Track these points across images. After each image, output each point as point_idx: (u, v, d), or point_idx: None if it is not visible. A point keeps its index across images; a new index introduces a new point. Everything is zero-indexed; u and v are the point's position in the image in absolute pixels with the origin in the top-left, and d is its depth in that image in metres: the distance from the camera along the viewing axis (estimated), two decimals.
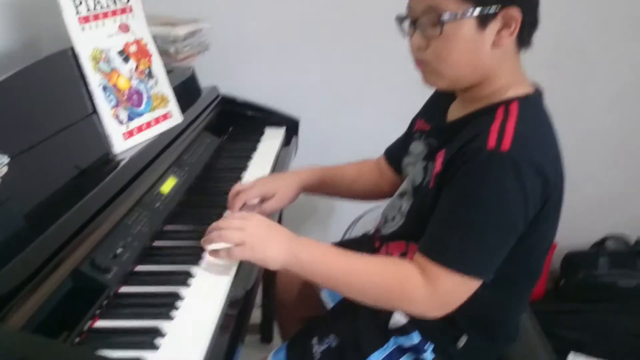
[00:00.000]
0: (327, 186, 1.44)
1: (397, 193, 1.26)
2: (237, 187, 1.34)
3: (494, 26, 1.00)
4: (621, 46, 2.11)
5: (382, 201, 2.09)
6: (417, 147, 1.24)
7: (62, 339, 0.86)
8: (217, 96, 1.88)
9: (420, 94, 2.09)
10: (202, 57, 1.95)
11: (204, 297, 1.02)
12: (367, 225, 2.18)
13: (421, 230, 1.08)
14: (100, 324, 0.94)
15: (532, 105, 1.06)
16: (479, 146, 0.98)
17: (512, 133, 0.97)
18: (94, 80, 1.28)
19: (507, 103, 1.04)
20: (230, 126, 1.92)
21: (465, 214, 0.99)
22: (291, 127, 1.95)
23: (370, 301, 1.09)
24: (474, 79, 1.07)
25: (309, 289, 1.48)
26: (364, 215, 2.19)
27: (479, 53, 1.03)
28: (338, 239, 1.65)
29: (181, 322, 0.96)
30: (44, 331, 0.86)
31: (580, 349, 2.05)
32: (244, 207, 1.32)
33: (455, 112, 1.17)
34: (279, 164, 1.71)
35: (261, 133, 1.89)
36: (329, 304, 1.40)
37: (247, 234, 1.05)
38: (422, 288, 1.01)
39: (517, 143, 0.96)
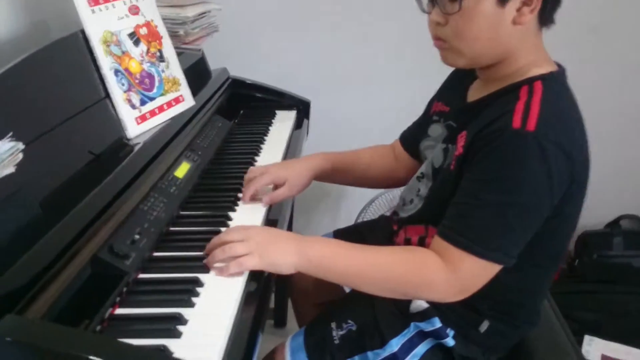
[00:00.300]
0: (340, 173, 1.41)
1: (415, 176, 1.24)
2: (248, 174, 1.33)
3: (514, 3, 0.97)
4: (636, 23, 2.08)
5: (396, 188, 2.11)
6: (436, 130, 1.22)
7: (83, 327, 0.85)
8: (227, 79, 1.86)
9: (432, 75, 2.06)
10: (211, 39, 1.92)
11: (224, 283, 1.01)
12: (379, 210, 2.16)
13: (440, 213, 1.05)
14: (121, 311, 0.93)
15: (556, 84, 1.02)
16: (503, 126, 0.95)
17: (538, 112, 0.94)
18: (106, 64, 1.25)
19: (530, 82, 1.01)
20: (240, 109, 1.90)
21: (487, 196, 0.96)
22: (302, 110, 1.93)
23: (389, 293, 1.08)
24: (493, 57, 1.04)
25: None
26: (375, 199, 2.17)
27: (499, 30, 1.00)
28: (349, 224, 1.61)
29: (202, 308, 0.94)
30: (64, 320, 0.84)
31: (595, 331, 2.03)
32: (255, 195, 1.30)
33: (475, 92, 1.14)
34: (291, 148, 1.69)
35: (272, 116, 1.87)
36: (346, 287, 1.38)
37: (252, 244, 1.03)
38: (442, 272, 0.99)
39: (542, 123, 0.93)
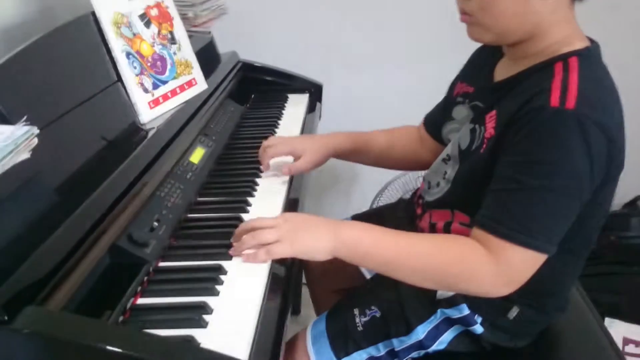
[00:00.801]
0: (360, 152, 1.38)
1: (440, 158, 1.19)
2: (265, 142, 1.32)
3: None
4: None
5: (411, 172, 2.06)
6: (461, 112, 1.17)
7: (104, 319, 0.82)
8: (238, 62, 1.82)
9: (448, 54, 2.02)
10: (219, 22, 1.88)
11: (248, 270, 0.97)
12: (394, 195, 2.12)
13: (468, 198, 1.02)
14: (143, 301, 0.90)
15: (592, 60, 0.97)
16: (541, 105, 0.90)
17: (576, 90, 0.89)
18: (117, 47, 1.21)
19: (565, 58, 0.95)
20: (252, 93, 1.86)
21: (527, 180, 0.90)
22: (315, 93, 1.89)
23: (429, 284, 1.02)
24: (521, 32, 0.99)
25: (340, 260, 1.43)
26: (389, 184, 2.12)
27: (527, 4, 0.95)
28: (362, 209, 1.57)
29: (227, 297, 0.91)
30: (85, 311, 0.81)
31: (615, 313, 2.00)
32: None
33: (503, 71, 1.08)
34: (306, 132, 1.64)
35: (284, 100, 1.83)
36: (367, 273, 1.35)
37: (283, 230, 0.99)
38: (487, 265, 0.93)
39: (582, 101, 0.88)
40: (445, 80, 2.09)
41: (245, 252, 1.00)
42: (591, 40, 1.02)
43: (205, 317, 0.85)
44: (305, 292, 1.81)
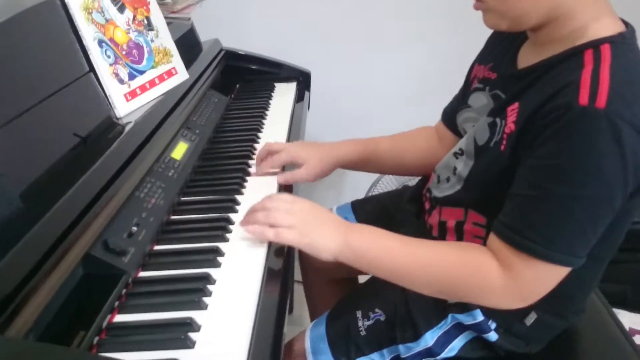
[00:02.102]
0: (370, 161, 1.27)
1: (452, 151, 1.09)
2: (266, 146, 1.24)
3: None
4: None
5: None
6: (479, 100, 1.06)
7: (78, 342, 0.72)
8: (221, 50, 1.72)
9: (442, 38, 1.94)
10: (200, 9, 1.78)
11: (239, 279, 0.88)
12: (389, 185, 2.03)
13: (484, 197, 0.94)
14: (121, 318, 0.80)
15: (627, 48, 0.86)
16: (568, 102, 0.80)
17: (608, 85, 0.79)
18: (88, 34, 1.10)
19: (596, 45, 0.84)
20: (236, 83, 1.77)
21: (551, 187, 0.82)
22: (303, 81, 1.80)
23: (438, 294, 0.97)
24: (539, 15, 0.88)
25: None
26: (383, 175, 2.03)
27: None
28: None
29: (216, 311, 0.81)
30: (54, 334, 0.72)
31: (621, 303, 1.92)
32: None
33: (527, 57, 0.97)
34: (295, 122, 1.55)
35: (271, 89, 1.73)
36: None
37: (297, 219, 0.95)
38: (500, 278, 0.87)
39: (615, 98, 0.78)
40: (435, 65, 2.03)
41: (252, 227, 0.97)
42: (625, 24, 0.91)
43: (192, 335, 0.75)
44: (297, 289, 1.72)
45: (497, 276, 0.87)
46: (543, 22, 0.89)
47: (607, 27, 0.86)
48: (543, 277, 0.87)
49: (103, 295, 0.80)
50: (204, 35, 1.73)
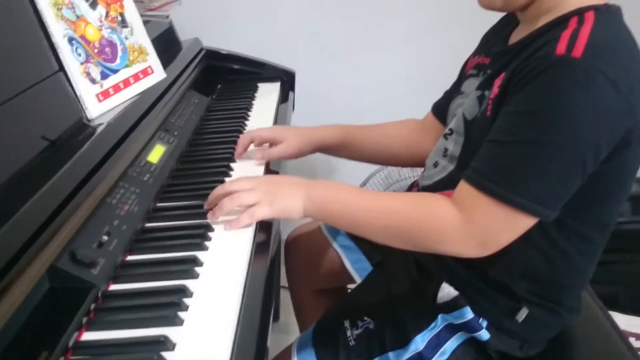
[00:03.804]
0: (351, 146, 1.27)
1: (441, 136, 1.07)
2: (246, 131, 1.28)
3: None
4: None
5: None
6: (472, 84, 1.04)
7: None
8: (201, 50, 1.66)
9: (422, 40, 1.89)
10: (179, 8, 1.72)
11: (218, 291, 0.82)
12: (376, 188, 1.97)
13: None
14: (90, 336, 0.73)
15: (611, 16, 0.87)
16: (546, 52, 0.81)
17: (587, 38, 0.80)
18: (58, 31, 1.04)
19: (580, 12, 0.86)
20: (217, 83, 1.72)
21: (521, 132, 0.82)
22: (287, 81, 1.75)
23: (400, 243, 0.96)
24: None
25: (323, 257, 1.31)
26: (371, 178, 1.98)
27: None
28: None
29: (193, 327, 0.75)
30: (17, 353, 0.66)
31: (613, 305, 1.89)
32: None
33: (518, 35, 0.98)
34: (279, 124, 1.50)
35: (254, 89, 1.68)
36: (357, 276, 1.21)
37: (261, 191, 0.97)
38: (456, 221, 0.86)
39: (592, 49, 0.79)
40: (423, 66, 1.98)
41: (222, 218, 0.97)
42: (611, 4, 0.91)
43: (166, 355, 0.69)
44: (284, 296, 1.67)
45: (454, 220, 0.86)
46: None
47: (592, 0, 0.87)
48: (503, 222, 0.85)
49: (70, 311, 0.73)
50: (184, 34, 1.68)
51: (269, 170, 1.20)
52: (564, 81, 0.79)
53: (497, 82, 0.91)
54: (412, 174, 1.92)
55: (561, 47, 0.80)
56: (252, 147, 1.25)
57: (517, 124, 0.83)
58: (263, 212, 0.95)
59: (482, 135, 0.91)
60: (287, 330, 1.83)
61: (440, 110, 1.21)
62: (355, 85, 2.06)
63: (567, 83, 0.79)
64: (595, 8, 0.85)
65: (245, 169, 1.18)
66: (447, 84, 1.21)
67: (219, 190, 0.99)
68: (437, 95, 1.24)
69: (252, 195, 0.96)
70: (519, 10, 0.95)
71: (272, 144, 1.23)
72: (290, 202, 0.96)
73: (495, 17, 1.08)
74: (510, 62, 0.91)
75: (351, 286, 1.28)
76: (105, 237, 0.85)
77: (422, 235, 0.91)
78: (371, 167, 1.96)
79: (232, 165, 1.20)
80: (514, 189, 0.81)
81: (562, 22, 0.86)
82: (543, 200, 0.82)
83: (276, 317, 1.99)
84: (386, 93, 2.04)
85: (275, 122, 1.48)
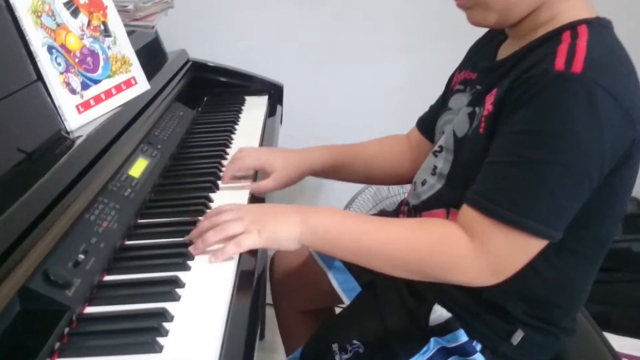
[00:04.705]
0: (341, 168, 1.22)
1: (431, 152, 1.04)
2: (237, 153, 1.20)
3: None
4: None
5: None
6: (460, 101, 1.01)
7: None
8: (187, 61, 1.62)
9: (416, 56, 1.87)
10: (165, 18, 1.68)
11: (200, 314, 0.77)
12: (364, 207, 1.94)
13: (467, 190, 0.87)
14: None
15: (603, 30, 0.86)
16: (544, 69, 0.79)
17: (585, 53, 0.78)
18: (36, 39, 1.00)
19: (573, 26, 0.84)
20: (204, 96, 1.69)
21: (524, 153, 0.79)
22: (275, 95, 1.72)
23: (408, 274, 0.91)
24: (527, 6, 0.87)
25: (310, 276, 1.26)
26: (359, 195, 1.94)
27: None
28: None
29: (173, 354, 0.70)
30: None
31: (606, 325, 1.85)
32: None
33: (506, 50, 0.95)
34: (267, 138, 1.47)
35: (241, 102, 1.64)
36: (345, 297, 1.17)
37: (249, 220, 0.90)
38: (468, 249, 0.83)
39: (591, 64, 0.77)
40: (410, 79, 1.96)
41: (210, 248, 0.90)
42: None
43: None
44: (269, 313, 1.62)
45: (465, 247, 0.83)
46: (526, 14, 0.88)
47: (583, 12, 0.86)
48: (514, 248, 0.82)
49: (42, 336, 0.69)
50: (170, 45, 1.64)
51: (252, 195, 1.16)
52: (565, 98, 0.77)
53: (490, 99, 0.88)
54: (401, 191, 1.89)
55: (559, 63, 0.78)
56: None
57: (519, 144, 0.80)
58: (250, 242, 0.89)
59: (473, 153, 0.89)
60: (273, 348, 1.78)
61: (426, 126, 1.19)
62: (344, 98, 2.03)
63: (569, 100, 0.77)
64: (588, 22, 0.84)
65: (230, 193, 1.14)
66: (438, 93, 1.19)
67: (204, 223, 0.93)
68: (427, 104, 1.22)
69: (238, 224, 0.90)
70: (511, 26, 0.93)
71: (260, 172, 1.19)
72: (282, 230, 0.90)
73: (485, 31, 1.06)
74: (501, 78, 0.88)
75: (339, 307, 1.24)
76: (81, 256, 0.80)
77: (432, 265, 0.87)
78: (358, 185, 1.92)
79: (218, 181, 1.16)
80: (524, 212, 0.79)
81: (554, 36, 0.84)
82: (553, 222, 0.80)
83: (262, 336, 1.94)
84: (375, 106, 2.01)
85: (263, 136, 1.45)
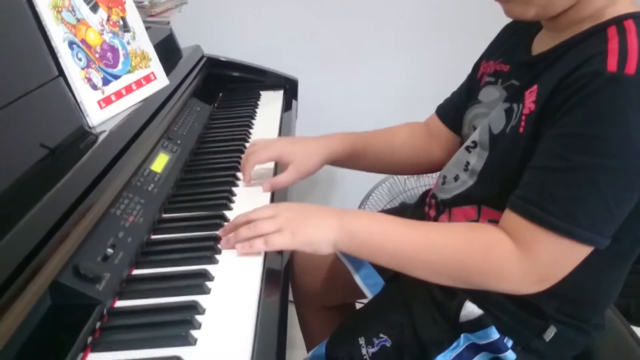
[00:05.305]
0: (359, 157, 1.19)
1: (463, 146, 1.01)
2: (250, 147, 1.16)
3: None
4: None
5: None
6: (492, 94, 0.99)
7: None
8: (202, 57, 1.62)
9: (427, 49, 1.85)
10: (179, 14, 1.68)
11: (231, 307, 0.77)
12: (380, 202, 1.93)
13: (500, 189, 0.86)
14: (95, 357, 0.68)
15: None
16: (596, 69, 0.75)
17: (637, 53, 0.75)
18: (57, 35, 0.99)
19: (618, 21, 0.80)
20: (219, 91, 1.68)
21: (575, 158, 0.76)
22: (290, 90, 1.70)
23: (449, 280, 0.88)
24: (567, 1, 0.84)
25: (331, 272, 1.25)
26: (374, 190, 1.93)
27: None
28: None
29: (207, 346, 0.70)
30: None
31: (625, 317, 1.84)
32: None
33: (543, 43, 0.92)
34: (284, 132, 1.46)
35: (257, 97, 1.63)
36: (367, 291, 1.16)
37: (282, 220, 0.88)
38: (515, 257, 0.80)
39: None
40: (424, 71, 1.95)
41: (239, 245, 0.88)
42: None
43: None
44: (289, 309, 1.61)
45: (512, 255, 0.80)
46: (566, 7, 0.84)
47: (627, 6, 0.83)
48: (563, 256, 0.80)
49: (73, 330, 0.68)
50: (184, 41, 1.63)
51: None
52: (619, 101, 0.74)
53: (530, 97, 0.85)
54: (417, 184, 1.88)
55: (612, 64, 0.75)
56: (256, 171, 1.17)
57: (570, 149, 0.77)
58: (282, 242, 0.87)
59: (510, 152, 0.87)
60: (291, 344, 1.77)
61: (449, 115, 1.17)
62: (356, 93, 2.02)
63: (623, 103, 0.74)
64: (634, 16, 0.81)
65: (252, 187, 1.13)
66: (449, 88, 1.17)
67: (239, 218, 0.92)
68: (439, 99, 1.21)
69: (272, 223, 0.88)
70: (549, 19, 0.89)
71: (278, 163, 1.17)
72: (317, 234, 0.88)
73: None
74: (541, 74, 0.86)
75: (360, 303, 1.23)
76: (110, 250, 0.80)
77: (476, 273, 0.85)
78: (373, 178, 1.91)
79: (239, 174, 1.15)
80: (574, 219, 0.76)
81: (599, 31, 0.81)
82: (602, 229, 0.78)
83: None
84: (387, 101, 2.00)
85: (280, 130, 1.44)
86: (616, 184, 0.76)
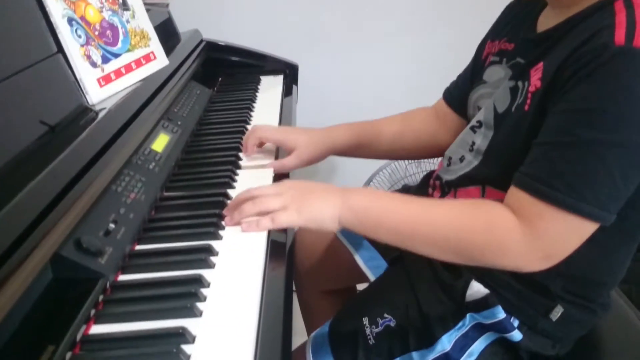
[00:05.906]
0: (365, 146, 1.19)
1: (468, 126, 1.00)
2: (251, 128, 1.16)
3: None
4: None
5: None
6: (496, 73, 0.98)
7: (47, 358, 0.59)
8: (201, 41, 1.60)
9: (429, 33, 1.84)
10: None
11: (236, 281, 0.76)
12: (381, 188, 1.91)
13: (505, 169, 0.84)
14: (99, 329, 0.67)
15: None
16: (603, 42, 0.73)
17: None
18: (56, 10, 0.98)
19: None
20: (218, 76, 1.66)
21: (582, 132, 0.74)
22: (290, 75, 1.69)
23: (451, 256, 0.87)
24: None
25: (333, 255, 1.24)
26: (375, 176, 1.92)
27: None
28: None
29: (213, 318, 0.69)
30: (20, 348, 0.60)
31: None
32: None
33: (548, 20, 0.91)
34: (285, 117, 1.44)
35: (257, 82, 1.62)
36: (370, 274, 1.15)
37: (288, 197, 0.88)
38: (520, 234, 0.79)
39: None
40: (426, 56, 1.94)
41: (245, 220, 0.88)
42: None
43: (185, 348, 0.63)
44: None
45: (517, 231, 0.79)
46: None
47: None
48: (568, 232, 0.78)
49: (76, 303, 0.67)
50: (183, 26, 1.62)
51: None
52: (627, 75, 0.72)
53: (536, 74, 0.84)
54: (417, 170, 1.87)
55: (620, 36, 0.73)
56: (259, 151, 1.18)
57: (576, 124, 0.75)
58: (288, 219, 0.87)
59: (515, 130, 0.85)
60: (293, 331, 1.76)
61: (455, 98, 1.16)
62: (360, 76, 2.01)
63: (631, 77, 0.72)
64: None
65: (254, 168, 1.12)
66: (451, 72, 1.16)
67: (242, 194, 0.91)
68: (443, 85, 1.20)
69: (277, 200, 0.87)
70: None
71: (281, 147, 1.17)
72: (322, 211, 0.88)
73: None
74: (547, 51, 0.84)
75: (361, 286, 1.22)
76: (112, 225, 0.79)
77: (480, 248, 0.83)
78: (374, 164, 1.90)
79: (241, 154, 1.14)
80: (579, 195, 0.75)
81: (605, 6, 0.79)
82: (608, 205, 0.76)
83: None
84: (387, 84, 1.99)
85: (281, 115, 1.42)
86: (622, 159, 0.75)
